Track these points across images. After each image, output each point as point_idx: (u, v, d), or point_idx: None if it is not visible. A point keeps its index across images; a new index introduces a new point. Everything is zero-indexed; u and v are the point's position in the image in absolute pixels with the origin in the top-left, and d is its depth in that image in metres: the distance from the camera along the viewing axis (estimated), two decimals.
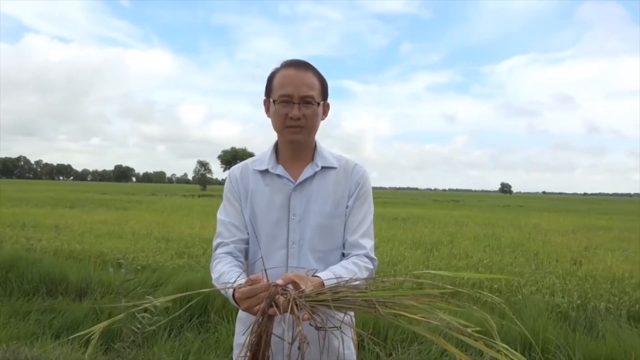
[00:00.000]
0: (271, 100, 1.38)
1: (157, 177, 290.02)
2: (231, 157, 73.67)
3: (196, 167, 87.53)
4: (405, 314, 0.94)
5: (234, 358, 1.45)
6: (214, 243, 1.45)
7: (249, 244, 1.44)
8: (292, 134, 1.39)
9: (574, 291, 5.51)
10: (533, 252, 8.87)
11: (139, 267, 6.12)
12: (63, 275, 5.14)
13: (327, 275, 1.20)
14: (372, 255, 1.42)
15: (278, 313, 1.00)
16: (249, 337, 1.03)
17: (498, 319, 4.01)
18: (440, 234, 11.84)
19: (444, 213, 22.90)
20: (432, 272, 1.05)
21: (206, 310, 4.24)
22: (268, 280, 1.07)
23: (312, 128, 1.40)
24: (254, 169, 1.47)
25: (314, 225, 1.40)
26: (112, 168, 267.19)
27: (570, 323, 4.35)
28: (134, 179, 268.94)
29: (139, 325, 3.17)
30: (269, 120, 1.44)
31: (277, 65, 1.40)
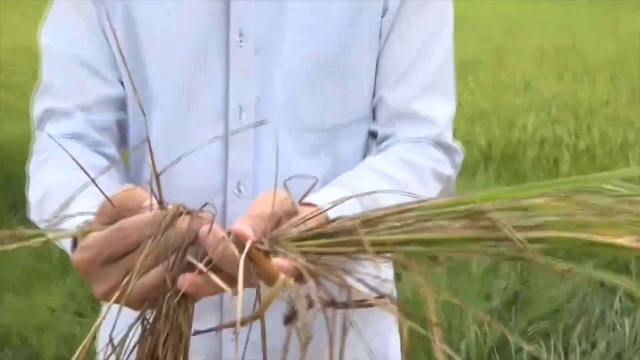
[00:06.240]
0: None
1: None
2: None
3: None
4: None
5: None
6: (37, 109, 0.55)
7: (126, 116, 0.55)
8: None
9: None
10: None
11: None
12: None
13: (337, 195, 0.38)
14: (449, 141, 0.55)
15: (227, 286, 0.29)
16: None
17: None
18: (478, 48, 7.98)
19: (489, 10, 17.62)
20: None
21: None
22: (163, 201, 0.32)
23: None
24: None
25: (298, 67, 0.50)
26: None
27: None
28: None
29: None
30: None
31: None
